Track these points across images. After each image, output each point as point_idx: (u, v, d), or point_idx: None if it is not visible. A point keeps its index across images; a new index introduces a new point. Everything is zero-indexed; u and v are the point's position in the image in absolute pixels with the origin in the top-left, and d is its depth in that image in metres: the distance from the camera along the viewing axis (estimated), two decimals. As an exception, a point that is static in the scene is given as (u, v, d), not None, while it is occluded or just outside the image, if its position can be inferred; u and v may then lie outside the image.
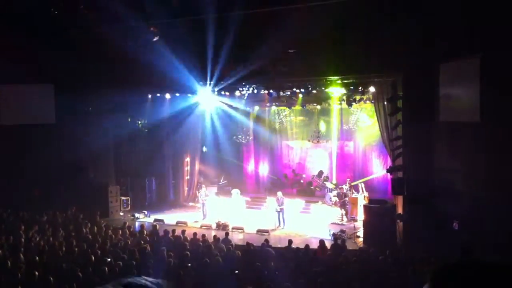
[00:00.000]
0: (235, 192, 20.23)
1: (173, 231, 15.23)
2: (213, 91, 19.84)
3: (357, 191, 19.86)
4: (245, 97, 20.59)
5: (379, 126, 17.95)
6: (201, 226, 18.48)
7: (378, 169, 22.47)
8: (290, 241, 13.96)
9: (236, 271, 10.25)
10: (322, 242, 13.83)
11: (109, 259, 11.31)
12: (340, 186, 20.91)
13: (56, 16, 16.54)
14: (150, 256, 11.80)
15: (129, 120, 22.18)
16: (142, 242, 13.34)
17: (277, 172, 25.08)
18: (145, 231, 15.39)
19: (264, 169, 25.35)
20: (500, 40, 11.71)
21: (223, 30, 15.74)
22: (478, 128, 12.53)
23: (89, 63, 18.62)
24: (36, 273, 9.62)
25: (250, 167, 25.49)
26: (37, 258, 11.22)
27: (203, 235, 14.91)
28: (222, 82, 18.45)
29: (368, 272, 10.75)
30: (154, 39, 16.60)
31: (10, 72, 17.82)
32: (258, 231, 17.47)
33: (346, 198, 19.26)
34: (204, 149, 24.39)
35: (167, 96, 21.29)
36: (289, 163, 25.23)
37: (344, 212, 19.09)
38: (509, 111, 11.51)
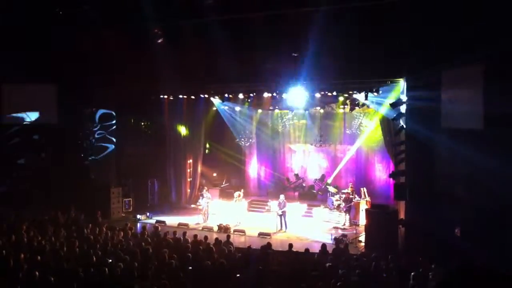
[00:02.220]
0: (237, 194, 20.25)
1: (174, 233, 15.24)
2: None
3: (360, 196, 19.83)
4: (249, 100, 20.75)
5: (382, 130, 17.94)
6: (203, 229, 18.49)
7: (381, 174, 22.46)
8: (290, 245, 13.95)
9: (238, 275, 10.24)
10: (324, 246, 13.79)
11: (110, 260, 11.30)
12: (342, 191, 20.90)
13: (61, 16, 16.59)
14: (152, 258, 11.79)
15: (132, 121, 22.23)
16: (144, 244, 13.33)
17: (279, 176, 25.07)
18: (146, 233, 15.38)
19: (266, 172, 25.35)
20: (505, 46, 11.68)
21: (225, 33, 15.81)
22: (481, 135, 12.49)
23: (93, 64, 18.73)
24: (37, 273, 9.61)
25: (252, 170, 25.48)
26: (38, 258, 11.22)
27: (205, 237, 14.89)
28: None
29: (369, 277, 10.72)
30: (159, 41, 16.65)
31: (14, 71, 17.89)
32: (260, 234, 17.47)
33: (351, 203, 19.21)
34: (207, 150, 24.42)
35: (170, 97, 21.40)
36: (292, 166, 25.21)
37: (347, 217, 19.05)
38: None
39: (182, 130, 22.99)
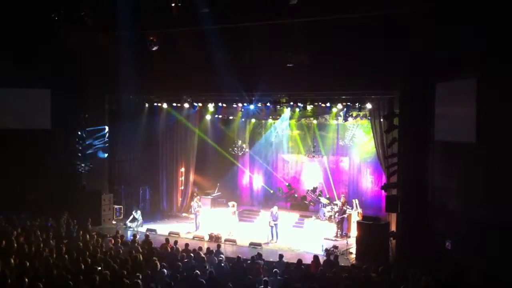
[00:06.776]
0: (231, 204, 20.20)
1: (167, 240, 15.17)
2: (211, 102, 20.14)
3: (351, 207, 19.80)
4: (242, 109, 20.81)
5: (375, 142, 18.00)
6: (194, 238, 18.41)
7: (373, 185, 22.49)
8: (280, 256, 13.92)
9: (230, 284, 10.17)
10: (316, 257, 13.75)
11: (99, 268, 11.20)
12: (334, 202, 20.88)
13: (57, 22, 16.58)
14: (142, 266, 11.71)
15: (125, 128, 22.09)
16: (134, 252, 13.24)
17: (272, 186, 25.02)
18: (137, 241, 15.29)
19: (258, 182, 25.29)
20: (497, 60, 11.80)
21: (221, 42, 15.85)
22: (473, 149, 12.57)
23: (87, 70, 18.73)
24: (26, 279, 9.51)
25: (245, 179, 25.44)
26: (27, 264, 11.11)
27: (199, 247, 14.80)
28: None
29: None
30: (154, 49, 16.65)
31: (7, 76, 17.84)
32: (251, 244, 17.41)
33: (345, 215, 19.12)
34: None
35: (165, 105, 21.34)
36: (284, 176, 25.18)
37: (339, 228, 18.98)
38: (505, 132, 11.57)
39: (176, 138, 22.94)
